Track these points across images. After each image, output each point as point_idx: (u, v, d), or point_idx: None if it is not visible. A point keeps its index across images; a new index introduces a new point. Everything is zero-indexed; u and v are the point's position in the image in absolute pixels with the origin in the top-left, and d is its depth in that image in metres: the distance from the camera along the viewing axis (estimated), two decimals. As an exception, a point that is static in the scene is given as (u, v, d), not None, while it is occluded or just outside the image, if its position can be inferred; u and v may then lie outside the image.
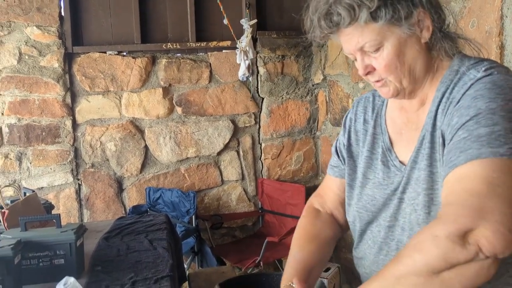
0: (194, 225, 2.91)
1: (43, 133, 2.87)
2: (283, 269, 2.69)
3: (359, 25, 0.83)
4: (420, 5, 0.84)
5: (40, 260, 1.44)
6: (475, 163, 0.70)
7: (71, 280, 0.98)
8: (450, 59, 0.89)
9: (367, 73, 0.89)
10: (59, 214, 1.53)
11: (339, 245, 3.02)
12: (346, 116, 1.10)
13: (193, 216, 2.93)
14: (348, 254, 3.01)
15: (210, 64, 3.18)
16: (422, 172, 0.85)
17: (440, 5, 0.89)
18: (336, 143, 1.13)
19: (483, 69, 0.82)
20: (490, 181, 0.68)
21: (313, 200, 1.17)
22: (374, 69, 0.88)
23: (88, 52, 2.95)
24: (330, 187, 1.14)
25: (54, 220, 1.51)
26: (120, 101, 3.04)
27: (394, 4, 0.82)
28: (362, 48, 0.87)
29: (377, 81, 0.90)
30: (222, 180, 3.27)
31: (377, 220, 0.95)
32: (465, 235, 0.67)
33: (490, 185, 0.68)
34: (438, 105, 0.85)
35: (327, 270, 2.81)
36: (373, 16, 0.82)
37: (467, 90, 0.80)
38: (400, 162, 0.92)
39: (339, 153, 1.10)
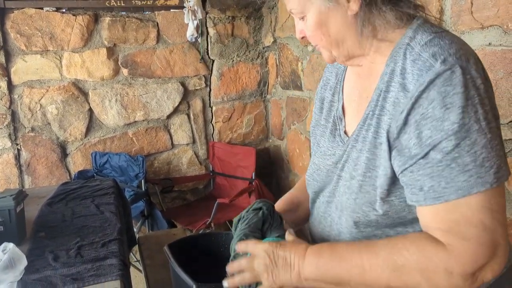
0: (143, 189, 2.87)
1: (-25, 95, 2.66)
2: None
3: None
4: None
5: (-23, 228, 1.37)
6: (469, 197, 0.66)
7: (10, 246, 0.94)
8: (403, 28, 0.77)
9: (302, 37, 0.86)
10: (-4, 180, 1.44)
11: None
12: (319, 84, 1.04)
13: (142, 180, 2.89)
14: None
15: (158, 23, 3.05)
16: (360, 154, 0.80)
17: None
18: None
19: (442, 58, 0.69)
20: (490, 212, 0.67)
21: None
22: None
23: (23, 8, 2.72)
24: None
25: (-10, 186, 1.43)
26: (60, 62, 2.86)
27: None
28: (292, 13, 0.84)
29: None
30: (172, 143, 3.22)
31: (322, 192, 0.93)
32: (476, 272, 0.67)
33: (491, 216, 0.67)
34: (388, 85, 0.76)
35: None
36: None
37: (426, 88, 0.69)
38: (345, 133, 0.87)
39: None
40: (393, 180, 0.75)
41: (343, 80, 0.93)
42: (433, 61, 0.70)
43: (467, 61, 0.70)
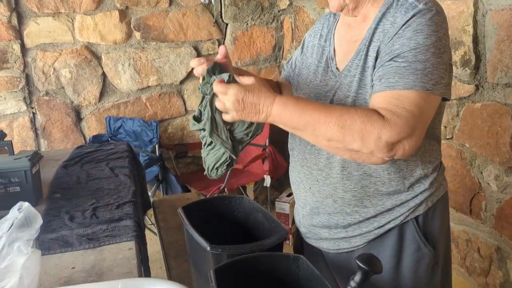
0: (157, 154, 2.88)
1: (-11, 58, 2.66)
2: (247, 195, 2.74)
3: None
4: None
5: (-6, 188, 1.38)
6: (411, 91, 0.88)
7: (25, 204, 0.94)
8: None
9: None
10: (11, 141, 1.45)
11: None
12: (307, 33, 1.23)
13: (156, 145, 2.90)
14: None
15: (170, -15, 2.97)
16: (353, 79, 0.99)
17: None
18: (292, 57, 1.26)
19: (424, 2, 0.93)
20: (420, 108, 0.88)
21: None
22: None
23: (33, -32, 2.67)
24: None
25: (6, 147, 1.44)
26: (73, 24, 2.83)
27: None
28: None
29: None
30: (186, 109, 3.20)
31: None
32: (395, 144, 0.87)
33: (420, 110, 0.88)
34: (378, 24, 0.98)
35: (289, 195, 2.90)
36: None
37: (409, 19, 0.92)
38: (337, 69, 1.06)
39: (291, 63, 1.24)
40: None
41: (334, 29, 1.12)
42: (417, 3, 0.94)
43: (441, 10, 0.95)
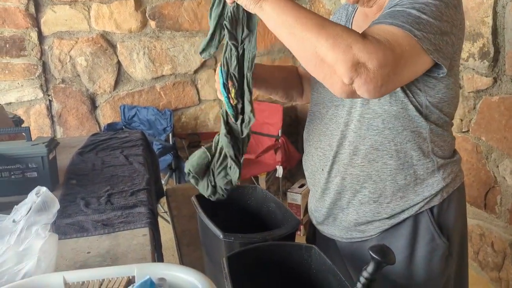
0: (171, 143, 2.91)
1: (7, 45, 2.69)
2: (259, 185, 2.76)
3: None
4: None
5: (12, 173, 1.41)
6: (397, 28, 0.87)
7: (43, 189, 0.96)
8: None
9: None
10: (29, 127, 1.48)
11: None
12: None
13: (170, 134, 2.92)
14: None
15: (185, -27, 2.97)
16: None
17: None
18: None
19: None
20: (401, 48, 0.85)
21: None
22: None
23: (50, -44, 2.69)
24: None
25: (24, 134, 1.46)
26: (89, 13, 2.85)
27: None
28: None
29: None
30: (199, 99, 3.21)
31: (323, 103, 1.11)
32: (361, 65, 0.81)
33: (400, 50, 0.85)
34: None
35: (301, 186, 2.90)
36: None
37: None
38: None
39: None
40: None
41: (352, 18, 1.13)
42: None
43: None
